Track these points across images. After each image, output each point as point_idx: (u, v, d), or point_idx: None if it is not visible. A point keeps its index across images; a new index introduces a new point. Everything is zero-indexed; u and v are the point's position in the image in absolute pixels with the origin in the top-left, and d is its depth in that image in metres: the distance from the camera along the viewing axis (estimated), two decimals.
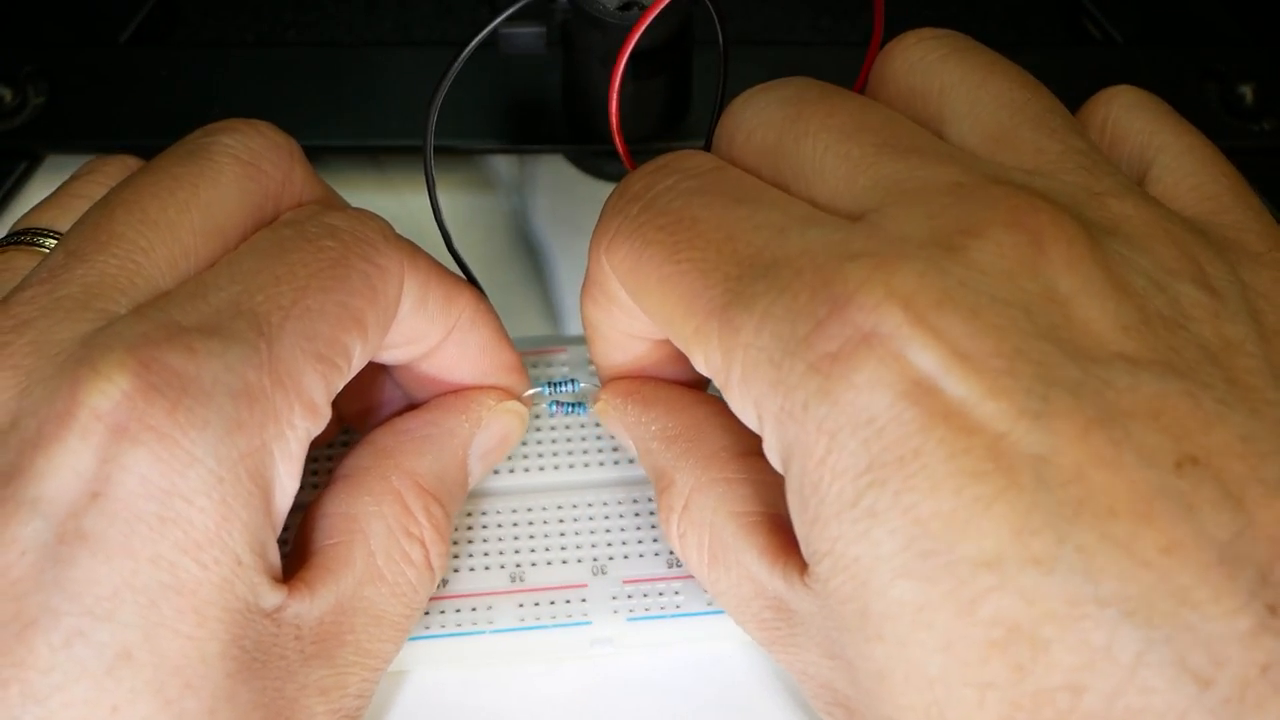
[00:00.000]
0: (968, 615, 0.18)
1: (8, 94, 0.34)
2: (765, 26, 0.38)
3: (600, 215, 0.24)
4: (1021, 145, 0.22)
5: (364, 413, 0.28)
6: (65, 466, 0.19)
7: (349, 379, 0.23)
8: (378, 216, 0.25)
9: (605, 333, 0.26)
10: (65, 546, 0.19)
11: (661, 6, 0.25)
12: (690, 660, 0.26)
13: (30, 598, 0.19)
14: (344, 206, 0.26)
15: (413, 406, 0.27)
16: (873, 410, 0.19)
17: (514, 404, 0.27)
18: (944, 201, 0.20)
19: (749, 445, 0.24)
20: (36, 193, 0.35)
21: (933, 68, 0.24)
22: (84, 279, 0.21)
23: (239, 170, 0.23)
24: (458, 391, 0.27)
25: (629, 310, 0.24)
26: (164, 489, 0.20)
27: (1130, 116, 0.24)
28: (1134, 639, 0.17)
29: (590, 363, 0.30)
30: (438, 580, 0.25)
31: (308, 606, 0.22)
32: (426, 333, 0.25)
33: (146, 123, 0.34)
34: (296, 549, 0.24)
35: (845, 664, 0.20)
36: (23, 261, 0.24)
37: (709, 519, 0.24)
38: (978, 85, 0.23)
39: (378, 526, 0.24)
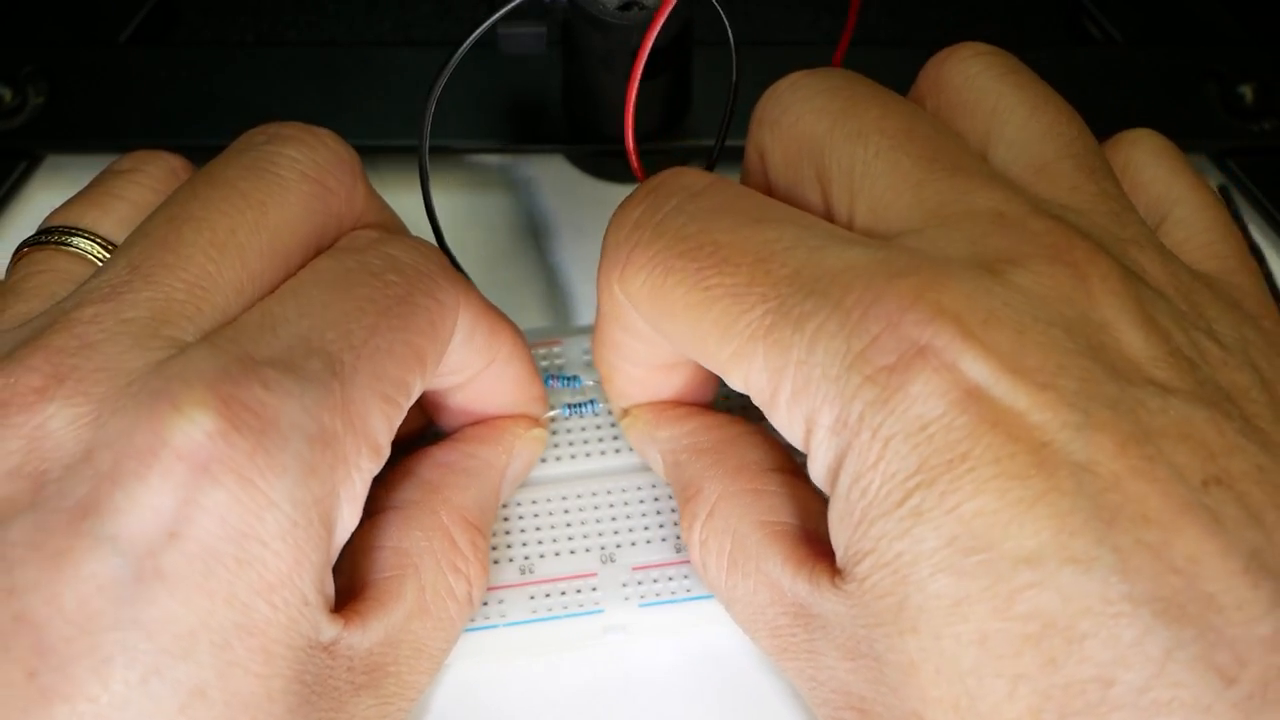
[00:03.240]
0: (1005, 610, 0.19)
1: (8, 94, 0.34)
2: (765, 26, 0.38)
3: (604, 249, 0.24)
4: (1060, 180, 0.23)
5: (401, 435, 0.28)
6: (144, 505, 0.19)
7: (404, 415, 0.23)
8: (433, 247, 0.25)
9: (622, 370, 0.26)
10: (143, 585, 0.19)
11: (670, 8, 0.25)
12: (703, 644, 0.27)
13: (107, 634, 0.19)
14: (400, 228, 0.26)
15: (431, 425, 0.27)
16: (927, 417, 0.19)
17: (540, 431, 0.28)
18: (985, 229, 0.21)
19: (778, 462, 0.25)
20: (36, 193, 0.35)
21: (989, 85, 0.24)
22: (151, 302, 0.21)
23: (307, 189, 0.23)
24: (488, 421, 0.27)
25: (648, 340, 0.24)
26: (242, 532, 0.20)
27: (1150, 164, 0.25)
28: (1164, 637, 0.18)
29: (588, 353, 0.30)
30: (475, 613, 0.25)
31: (360, 638, 0.22)
32: (470, 363, 0.25)
33: (146, 123, 0.34)
34: (347, 579, 0.24)
35: (870, 662, 0.21)
36: (63, 264, 0.23)
37: (733, 526, 0.24)
38: (1030, 115, 0.24)
39: (428, 562, 0.24)
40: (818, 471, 0.21)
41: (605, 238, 0.24)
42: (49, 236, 0.24)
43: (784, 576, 0.23)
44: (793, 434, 0.21)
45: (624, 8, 0.28)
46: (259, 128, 0.24)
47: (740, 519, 0.24)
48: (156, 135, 0.33)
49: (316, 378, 0.21)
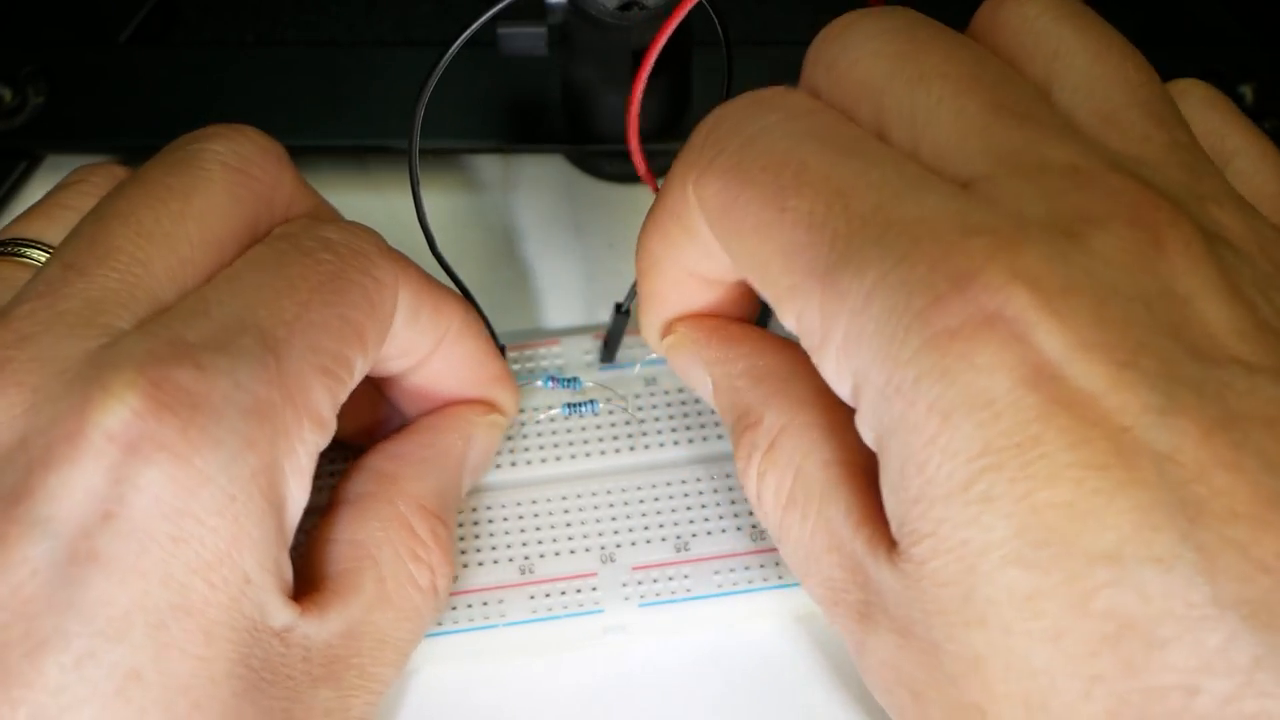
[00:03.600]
0: (1081, 607, 0.18)
1: (8, 94, 0.34)
2: (765, 26, 0.38)
3: (688, 144, 0.23)
4: (1130, 130, 0.21)
5: (360, 430, 0.28)
6: (77, 486, 0.19)
7: (350, 392, 0.23)
8: (370, 229, 0.25)
9: (666, 269, 0.25)
10: (77, 567, 0.19)
11: (686, 9, 0.25)
12: (703, 644, 0.27)
13: (41, 619, 0.19)
14: (335, 216, 0.26)
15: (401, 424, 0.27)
16: (992, 393, 0.18)
17: (497, 417, 0.27)
18: (1062, 185, 0.20)
19: None
20: (36, 193, 0.35)
21: (1048, 28, 0.22)
22: (85, 293, 0.21)
23: (229, 177, 0.23)
24: (445, 409, 0.27)
25: (704, 247, 0.23)
26: (177, 509, 0.19)
27: (1205, 114, 0.24)
28: (1252, 643, 0.17)
29: (588, 353, 0.30)
30: (442, 604, 0.25)
31: (316, 629, 0.22)
32: (417, 344, 0.25)
33: (146, 123, 0.34)
34: (304, 575, 0.23)
35: (926, 646, 0.20)
36: (10, 272, 0.24)
37: (797, 462, 0.23)
38: (1094, 58, 0.22)
39: (387, 553, 0.24)
40: (865, 433, 0.20)
41: (693, 134, 0.23)
42: (1, 250, 0.24)
43: (845, 528, 0.21)
44: (840, 387, 0.20)
45: (624, 8, 0.28)
46: (187, 134, 0.24)
47: (806, 455, 0.22)
48: (156, 135, 0.33)
49: (249, 352, 0.21)
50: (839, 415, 0.22)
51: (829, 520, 0.22)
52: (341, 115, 0.34)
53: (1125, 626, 0.17)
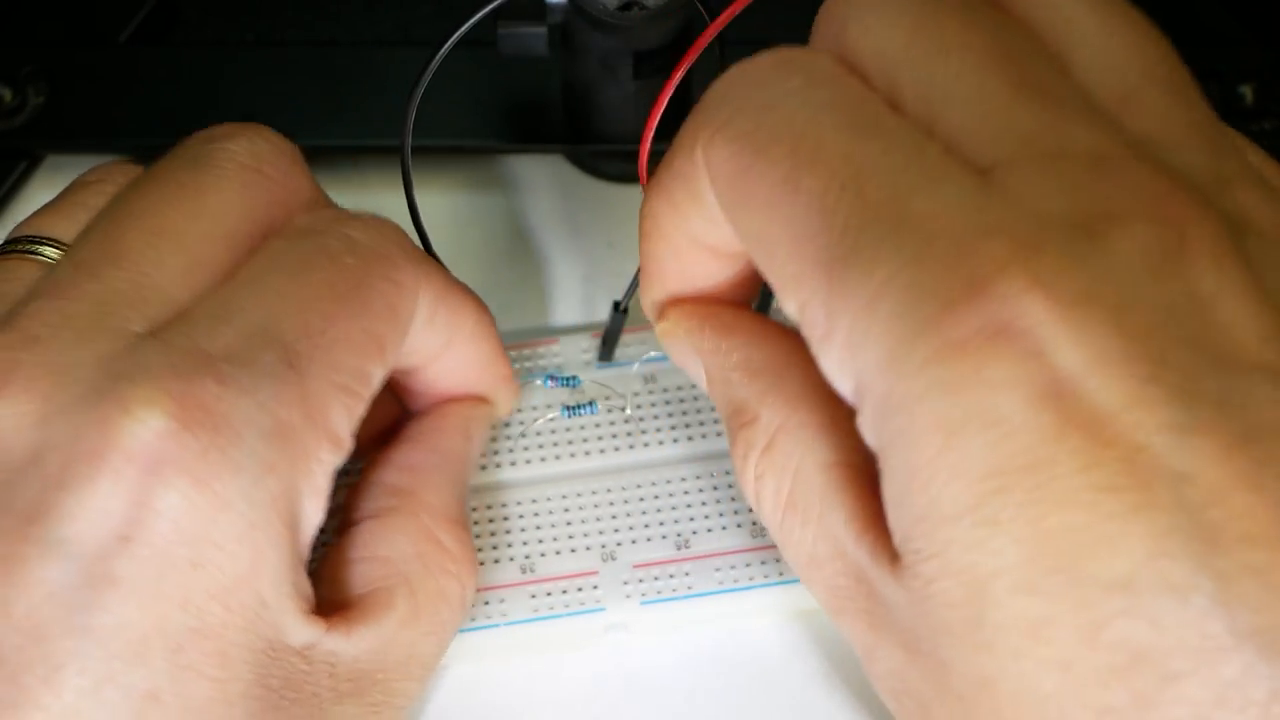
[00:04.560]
0: (1091, 637, 0.17)
1: (8, 94, 0.34)
2: (765, 26, 0.38)
3: (702, 103, 0.21)
4: (1149, 110, 0.20)
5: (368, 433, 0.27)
6: (95, 509, 0.19)
7: (368, 407, 0.22)
8: (392, 224, 0.24)
9: (669, 234, 0.23)
10: (94, 591, 0.19)
11: (719, 25, 0.24)
12: (704, 642, 0.27)
13: (57, 642, 0.19)
14: (356, 213, 0.25)
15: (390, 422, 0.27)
16: (1003, 411, 0.17)
17: (488, 408, 0.27)
18: (1084, 176, 0.18)
19: None
20: (36, 193, 0.35)
21: (1059, 1, 0.21)
22: (94, 295, 0.21)
23: (244, 176, 0.23)
24: (441, 408, 0.27)
25: (709, 214, 0.21)
26: (196, 534, 0.19)
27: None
28: (1269, 675, 0.16)
29: (586, 351, 0.30)
30: (466, 614, 0.25)
31: (344, 646, 0.22)
32: (429, 344, 0.25)
33: (146, 123, 0.34)
34: (330, 592, 0.23)
35: (934, 663, 0.19)
36: (27, 271, 0.23)
37: (794, 465, 0.22)
38: (1110, 33, 0.21)
39: (417, 569, 0.23)
40: (867, 436, 0.19)
41: (709, 92, 0.21)
42: (15, 246, 0.24)
43: (847, 536, 0.20)
44: (840, 385, 0.19)
45: (624, 8, 0.28)
46: (200, 131, 0.24)
47: (804, 456, 0.21)
48: (156, 135, 0.33)
49: (271, 370, 0.20)
50: (838, 412, 0.21)
51: (830, 527, 0.21)
52: (341, 115, 0.34)
53: (1138, 658, 0.17)
